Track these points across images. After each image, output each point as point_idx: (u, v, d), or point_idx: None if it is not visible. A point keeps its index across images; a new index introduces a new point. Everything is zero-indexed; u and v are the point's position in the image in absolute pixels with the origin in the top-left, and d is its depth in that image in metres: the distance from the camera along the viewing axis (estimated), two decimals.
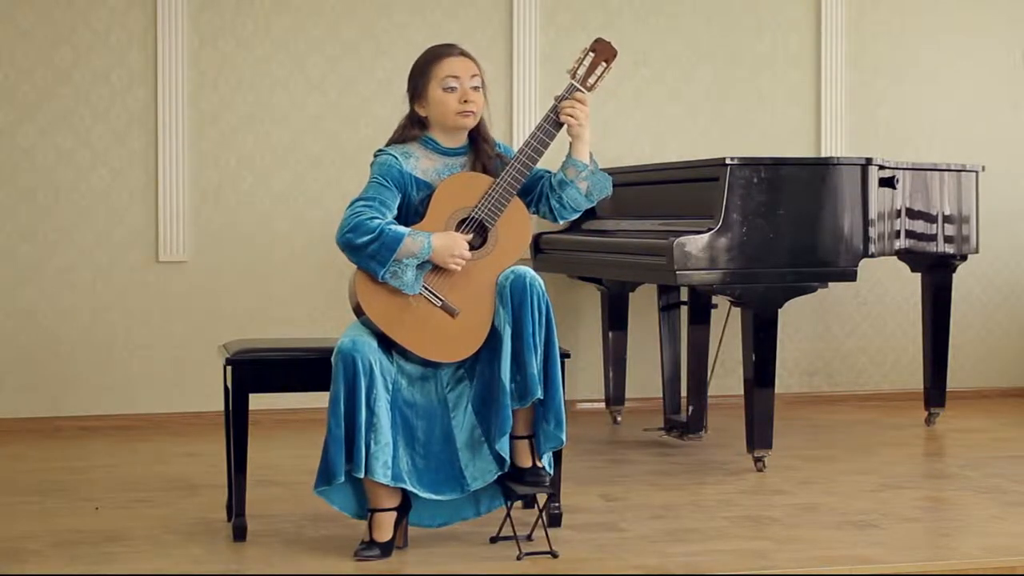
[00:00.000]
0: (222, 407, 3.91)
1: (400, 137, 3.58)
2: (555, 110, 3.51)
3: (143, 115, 5.68)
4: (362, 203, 3.43)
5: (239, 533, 3.61)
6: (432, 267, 3.44)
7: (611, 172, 5.36)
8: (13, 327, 5.59)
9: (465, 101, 3.49)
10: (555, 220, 3.63)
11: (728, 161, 4.49)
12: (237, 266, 5.77)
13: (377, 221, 3.38)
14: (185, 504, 4.10)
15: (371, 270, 3.39)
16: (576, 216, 3.63)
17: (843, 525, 3.79)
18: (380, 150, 3.56)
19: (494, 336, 3.43)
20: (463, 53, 3.54)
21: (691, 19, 6.21)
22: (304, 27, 5.83)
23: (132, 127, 5.68)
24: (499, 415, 3.37)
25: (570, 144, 3.56)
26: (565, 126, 3.51)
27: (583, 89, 3.53)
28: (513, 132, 5.89)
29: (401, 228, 3.40)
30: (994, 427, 5.65)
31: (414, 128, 3.56)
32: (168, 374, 5.72)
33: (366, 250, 3.37)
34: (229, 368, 3.66)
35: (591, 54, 3.55)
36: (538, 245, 5.54)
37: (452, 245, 3.41)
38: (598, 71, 3.55)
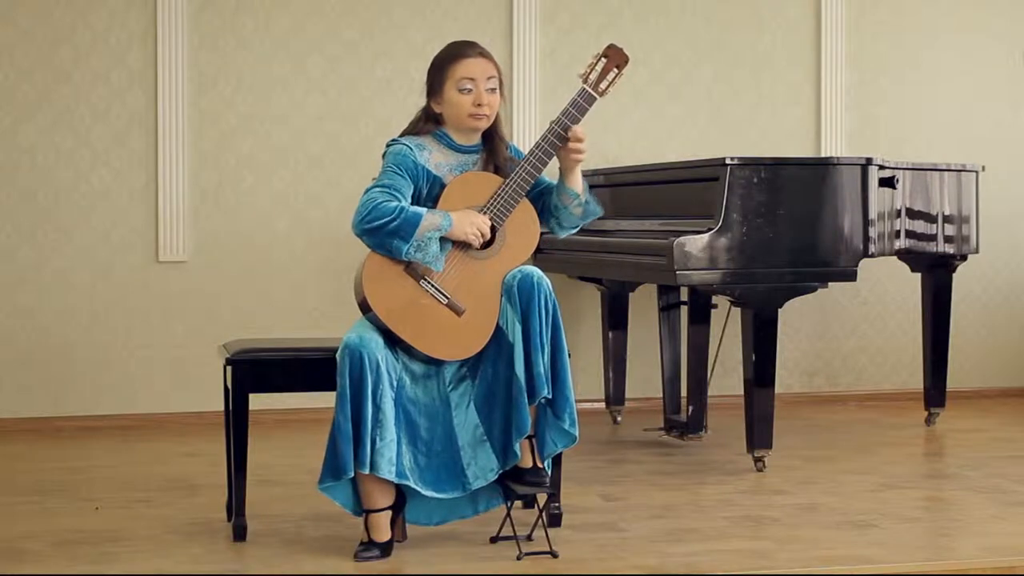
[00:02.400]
0: (222, 407, 3.91)
1: (414, 130, 3.59)
2: (566, 114, 3.52)
3: (143, 115, 5.68)
4: (378, 189, 3.43)
5: (239, 533, 3.61)
6: (451, 246, 3.43)
7: (611, 172, 5.42)
8: (13, 327, 5.59)
9: (479, 105, 3.50)
10: (553, 233, 3.70)
11: (728, 161, 4.49)
12: (237, 266, 5.77)
13: (395, 203, 3.39)
14: (185, 504, 4.10)
15: (395, 248, 3.38)
16: (574, 232, 3.71)
17: (843, 525, 3.79)
18: (394, 140, 3.57)
19: (498, 335, 3.44)
20: (481, 53, 3.54)
21: (691, 19, 6.21)
22: (304, 27, 5.83)
23: (132, 127, 5.68)
24: (517, 415, 3.38)
25: (561, 171, 3.59)
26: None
27: (596, 94, 3.54)
28: (514, 132, 5.89)
29: (419, 207, 3.42)
30: (994, 427, 5.64)
31: (428, 123, 3.58)
32: (168, 374, 5.71)
33: (387, 227, 3.36)
34: (229, 368, 3.66)
35: (603, 59, 3.56)
36: (538, 245, 5.53)
37: (471, 220, 3.43)
38: (610, 76, 3.56)
